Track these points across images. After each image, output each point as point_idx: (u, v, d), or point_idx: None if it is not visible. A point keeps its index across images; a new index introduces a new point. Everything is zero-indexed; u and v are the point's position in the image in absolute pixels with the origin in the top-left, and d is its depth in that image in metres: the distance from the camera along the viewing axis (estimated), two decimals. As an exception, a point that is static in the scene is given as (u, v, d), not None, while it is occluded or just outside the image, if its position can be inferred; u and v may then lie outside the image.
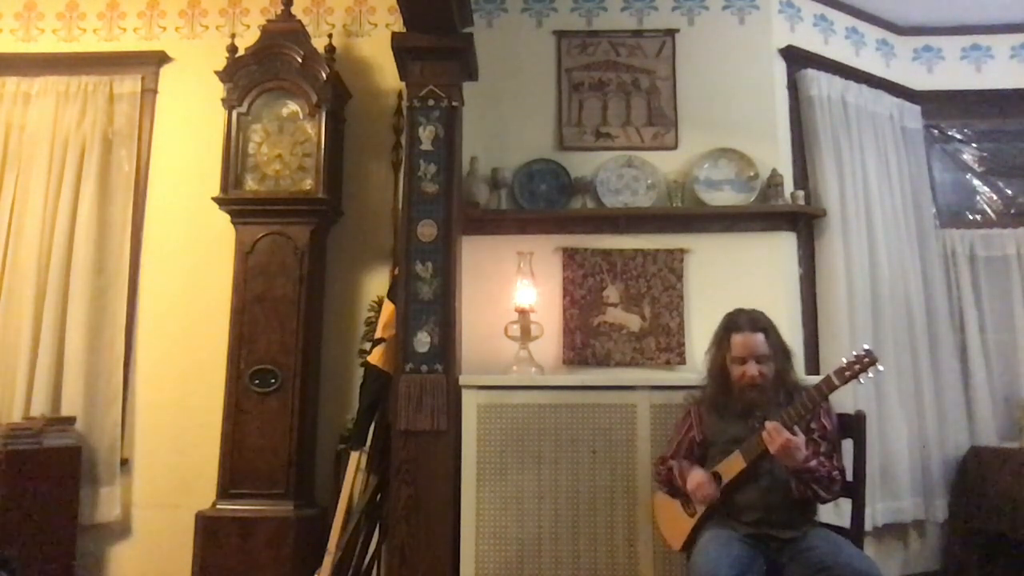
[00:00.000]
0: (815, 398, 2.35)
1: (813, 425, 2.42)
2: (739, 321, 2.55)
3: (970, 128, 4.17)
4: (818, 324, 3.57)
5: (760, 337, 2.50)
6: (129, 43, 3.98)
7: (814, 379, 2.53)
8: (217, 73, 3.57)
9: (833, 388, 2.35)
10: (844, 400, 2.96)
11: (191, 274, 3.75)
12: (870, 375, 2.34)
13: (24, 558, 3.13)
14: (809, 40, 3.82)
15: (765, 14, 3.72)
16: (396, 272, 3.26)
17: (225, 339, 3.43)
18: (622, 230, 3.53)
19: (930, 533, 3.65)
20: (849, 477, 2.42)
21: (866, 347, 2.38)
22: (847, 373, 2.34)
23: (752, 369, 2.46)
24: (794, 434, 2.28)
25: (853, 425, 2.48)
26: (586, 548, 2.93)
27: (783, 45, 3.73)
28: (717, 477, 2.43)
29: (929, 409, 3.65)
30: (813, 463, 2.30)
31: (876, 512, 3.40)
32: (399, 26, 3.32)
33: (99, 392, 3.61)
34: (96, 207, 3.73)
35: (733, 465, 2.40)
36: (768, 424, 2.29)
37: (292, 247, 3.47)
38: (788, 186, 3.56)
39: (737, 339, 2.51)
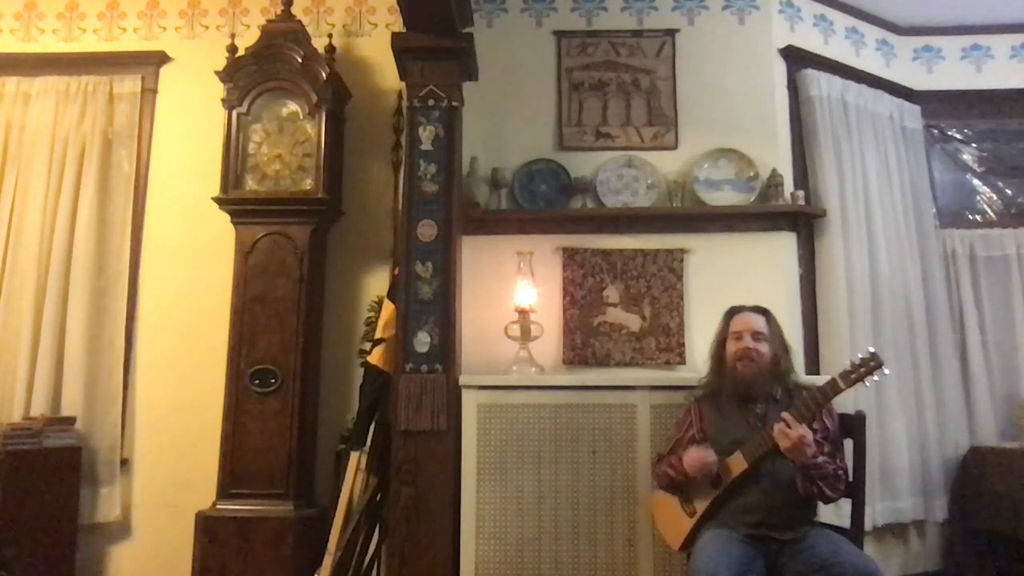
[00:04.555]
0: (819, 400, 2.35)
1: (815, 426, 2.41)
2: (740, 307, 2.64)
3: (970, 128, 4.16)
4: (818, 324, 3.57)
5: (760, 318, 2.58)
6: (129, 43, 3.98)
7: (813, 379, 2.53)
8: (217, 73, 3.57)
9: (838, 391, 2.35)
10: (844, 400, 2.93)
11: (191, 274, 3.75)
12: (876, 378, 2.33)
13: (24, 558, 3.13)
14: (809, 40, 3.82)
15: (765, 14, 3.72)
16: (396, 272, 3.26)
17: (225, 339, 3.43)
18: (622, 230, 3.53)
19: (930, 533, 3.64)
20: (849, 477, 2.42)
21: (871, 350, 2.37)
22: (853, 376, 2.34)
23: (747, 341, 2.51)
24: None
25: (853, 425, 2.48)
26: (586, 548, 2.93)
27: (783, 45, 3.73)
28: (717, 477, 2.42)
29: (929, 409, 3.65)
30: (821, 459, 2.30)
31: (876, 512, 3.40)
32: (399, 26, 3.32)
33: (99, 392, 3.61)
34: (96, 207, 3.73)
35: (734, 466, 2.40)
36: (784, 415, 2.29)
37: (292, 247, 3.47)
38: (788, 186, 3.55)
39: (737, 318, 2.60)
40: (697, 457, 2.43)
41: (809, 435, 2.27)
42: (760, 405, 2.49)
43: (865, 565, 2.18)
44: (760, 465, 2.36)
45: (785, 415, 2.30)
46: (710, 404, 2.59)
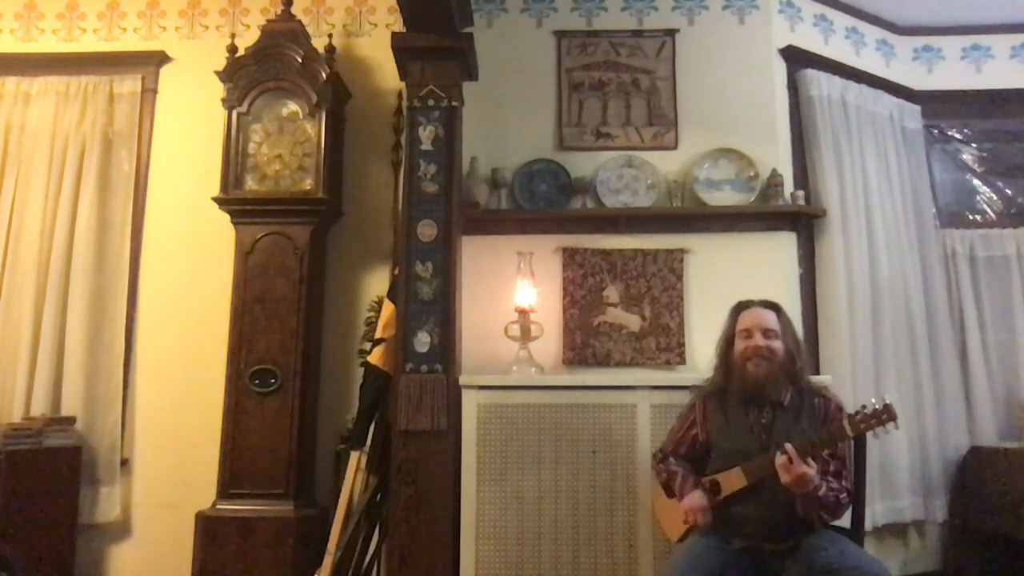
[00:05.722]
0: (824, 442, 2.24)
1: None
2: (750, 301, 2.50)
3: (970, 128, 4.16)
4: (818, 324, 3.57)
5: (771, 314, 2.43)
6: (129, 43, 3.98)
7: (818, 379, 2.49)
8: (217, 73, 3.58)
9: (844, 438, 2.26)
10: (845, 400, 2.94)
11: (191, 274, 3.75)
12: (887, 431, 2.25)
13: (24, 558, 3.13)
14: (809, 40, 3.82)
15: (765, 14, 3.72)
16: (396, 272, 3.26)
17: (225, 339, 3.43)
18: (622, 230, 3.53)
19: (930, 533, 3.64)
20: (851, 498, 2.35)
21: (887, 400, 2.27)
22: (862, 426, 2.24)
23: (758, 339, 2.36)
24: (807, 464, 2.17)
25: (853, 425, 2.46)
26: (586, 548, 2.93)
27: (783, 45, 3.73)
28: (716, 486, 2.35)
29: (929, 409, 3.65)
30: (822, 491, 2.19)
31: (876, 512, 3.39)
32: (399, 26, 3.32)
33: (99, 392, 3.61)
34: (96, 207, 3.73)
35: (733, 481, 2.30)
36: (788, 448, 2.17)
37: (292, 247, 3.47)
38: (788, 186, 3.55)
39: (745, 314, 2.45)
40: (696, 507, 2.33)
41: (811, 472, 2.14)
42: (767, 413, 2.37)
43: (876, 568, 2.13)
44: (760, 481, 2.27)
45: (789, 448, 2.16)
46: (716, 405, 2.47)
